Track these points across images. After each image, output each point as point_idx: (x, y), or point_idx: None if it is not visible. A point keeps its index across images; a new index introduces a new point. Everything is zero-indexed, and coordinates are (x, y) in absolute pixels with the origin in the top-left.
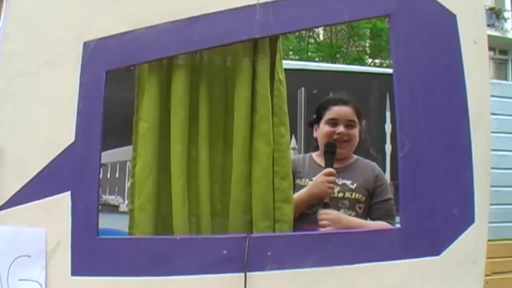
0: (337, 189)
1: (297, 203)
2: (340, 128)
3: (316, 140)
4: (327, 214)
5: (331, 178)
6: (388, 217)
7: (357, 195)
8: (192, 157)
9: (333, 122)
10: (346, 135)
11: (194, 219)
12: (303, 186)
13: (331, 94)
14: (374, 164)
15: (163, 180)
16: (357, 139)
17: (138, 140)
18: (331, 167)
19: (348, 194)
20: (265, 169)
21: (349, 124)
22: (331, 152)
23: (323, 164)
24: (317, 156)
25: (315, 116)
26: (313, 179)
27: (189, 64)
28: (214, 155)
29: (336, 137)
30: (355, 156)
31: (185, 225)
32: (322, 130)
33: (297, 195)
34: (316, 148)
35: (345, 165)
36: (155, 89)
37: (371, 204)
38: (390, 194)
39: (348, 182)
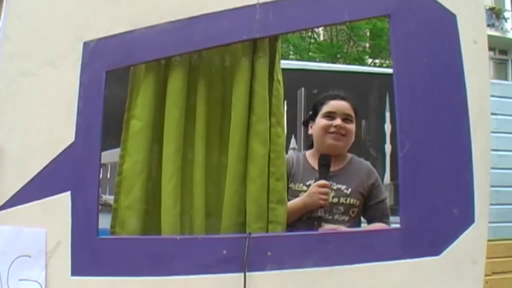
0: (332, 194)
1: (291, 211)
2: (338, 121)
3: (310, 137)
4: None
5: (324, 190)
6: (384, 217)
7: (352, 200)
8: (187, 157)
9: (330, 115)
10: (343, 128)
11: (187, 220)
12: (296, 191)
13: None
14: (367, 163)
15: (154, 180)
16: (353, 136)
17: (129, 139)
18: (326, 179)
19: (342, 200)
20: (261, 169)
21: (347, 118)
22: (325, 165)
23: (316, 167)
24: (311, 157)
25: (310, 113)
26: (307, 183)
27: (186, 63)
28: (210, 155)
29: (332, 129)
30: (349, 155)
31: (176, 226)
32: (318, 124)
33: (291, 202)
34: (311, 146)
35: (339, 168)
36: (150, 87)
37: (367, 205)
38: (385, 194)
39: (343, 187)
